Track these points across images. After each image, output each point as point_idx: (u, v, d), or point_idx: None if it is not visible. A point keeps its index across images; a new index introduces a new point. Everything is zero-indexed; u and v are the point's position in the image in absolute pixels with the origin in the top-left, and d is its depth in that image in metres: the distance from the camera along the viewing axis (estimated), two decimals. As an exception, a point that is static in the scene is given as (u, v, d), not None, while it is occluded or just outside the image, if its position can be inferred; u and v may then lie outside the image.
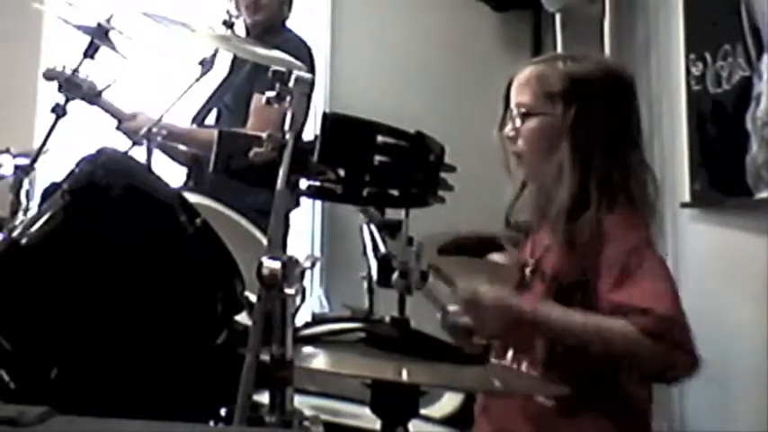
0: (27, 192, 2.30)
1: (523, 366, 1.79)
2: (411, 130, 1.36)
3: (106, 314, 1.48)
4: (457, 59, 3.91)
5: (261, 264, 1.18)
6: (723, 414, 2.65)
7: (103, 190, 1.56)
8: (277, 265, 1.17)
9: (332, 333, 1.38)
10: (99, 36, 2.41)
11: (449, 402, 2.12)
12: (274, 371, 1.17)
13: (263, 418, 1.18)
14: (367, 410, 1.33)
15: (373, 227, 1.42)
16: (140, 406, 1.32)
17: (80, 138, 2.96)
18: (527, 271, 1.86)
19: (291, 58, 2.25)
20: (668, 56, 3.02)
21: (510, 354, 1.83)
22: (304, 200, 2.98)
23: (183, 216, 1.55)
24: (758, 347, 2.40)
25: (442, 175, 1.42)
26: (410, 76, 3.89)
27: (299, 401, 1.25)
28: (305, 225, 3.79)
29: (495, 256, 2.14)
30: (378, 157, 1.32)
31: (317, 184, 1.32)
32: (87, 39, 2.42)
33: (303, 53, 2.87)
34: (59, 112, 2.39)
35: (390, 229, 1.39)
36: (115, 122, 2.91)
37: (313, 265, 1.29)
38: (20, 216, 2.18)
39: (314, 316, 3.26)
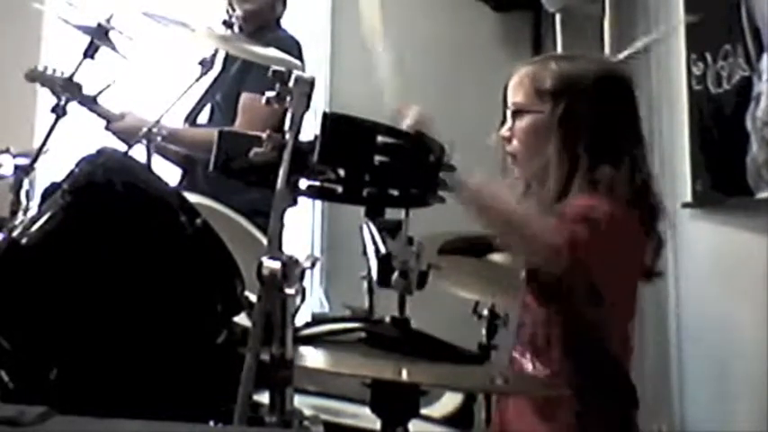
0: (27, 192, 2.30)
1: (537, 364, 1.80)
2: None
3: (106, 314, 1.48)
4: (457, 59, 3.90)
5: (261, 264, 1.18)
6: (723, 414, 2.65)
7: (103, 190, 1.56)
8: (277, 265, 1.17)
9: (332, 333, 1.38)
10: (99, 36, 2.41)
11: (449, 402, 2.13)
12: (274, 371, 1.17)
13: (263, 418, 1.18)
14: (367, 410, 1.33)
15: (373, 227, 1.42)
16: (140, 406, 1.32)
17: (80, 138, 2.96)
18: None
19: (290, 58, 2.25)
20: (668, 56, 3.02)
21: (527, 354, 1.83)
22: (304, 200, 2.98)
23: (183, 216, 1.54)
24: (758, 347, 2.40)
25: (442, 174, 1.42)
26: (410, 76, 3.89)
27: (299, 401, 1.25)
28: (305, 225, 3.79)
29: (495, 256, 2.15)
30: (378, 157, 1.32)
31: (317, 184, 1.32)
32: (87, 39, 2.42)
33: (294, 53, 2.86)
34: (59, 112, 2.39)
35: (390, 229, 1.39)
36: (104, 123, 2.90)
37: (313, 265, 1.29)
38: (20, 216, 2.17)
39: (314, 316, 3.27)
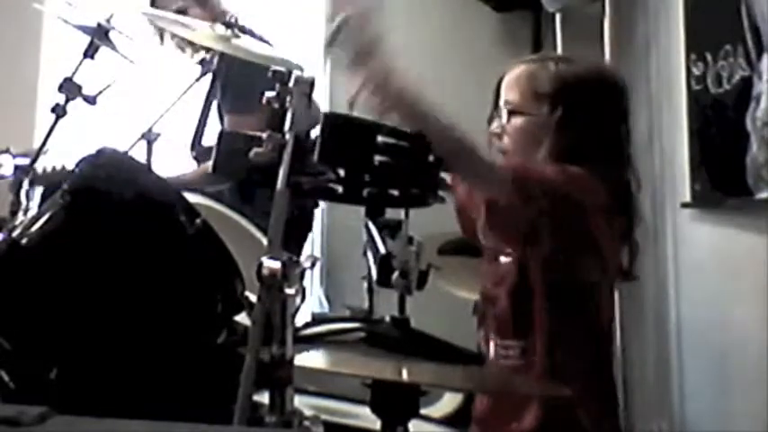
0: (27, 192, 2.30)
1: (511, 352, 1.80)
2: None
3: (106, 314, 1.48)
4: (457, 59, 3.90)
5: (261, 264, 1.18)
6: (723, 414, 2.65)
7: (103, 190, 1.56)
8: (277, 265, 1.17)
9: (332, 333, 1.38)
10: (99, 36, 2.41)
11: (449, 402, 2.13)
12: (274, 371, 1.17)
13: (263, 418, 1.18)
14: (367, 410, 1.33)
15: (373, 227, 1.42)
16: (140, 406, 1.32)
17: (80, 138, 2.96)
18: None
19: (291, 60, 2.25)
20: (668, 56, 3.01)
21: (493, 341, 1.83)
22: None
23: (183, 216, 1.55)
24: (758, 347, 2.40)
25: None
26: (410, 75, 3.88)
27: (299, 401, 1.25)
28: (305, 225, 3.78)
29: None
30: (378, 157, 1.32)
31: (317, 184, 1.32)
32: (87, 39, 2.42)
33: None
34: (59, 112, 2.39)
35: (390, 229, 1.39)
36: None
37: (313, 265, 1.30)
38: (20, 216, 2.17)
39: (314, 316, 3.26)
